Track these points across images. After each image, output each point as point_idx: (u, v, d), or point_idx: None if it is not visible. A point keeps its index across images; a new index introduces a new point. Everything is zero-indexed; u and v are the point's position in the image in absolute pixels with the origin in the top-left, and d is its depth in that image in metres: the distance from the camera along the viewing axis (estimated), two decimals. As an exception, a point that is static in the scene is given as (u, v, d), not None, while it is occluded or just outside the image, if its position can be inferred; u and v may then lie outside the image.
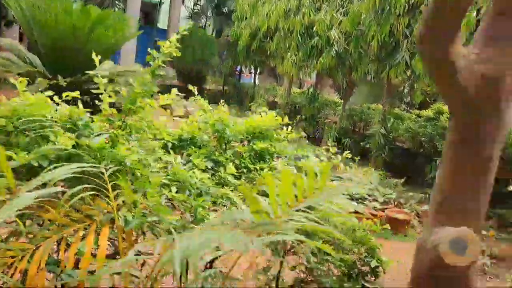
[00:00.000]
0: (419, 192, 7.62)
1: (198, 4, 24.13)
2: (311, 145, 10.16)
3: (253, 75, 21.46)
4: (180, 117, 12.79)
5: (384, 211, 5.86)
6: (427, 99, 10.68)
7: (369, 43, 8.38)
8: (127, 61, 16.00)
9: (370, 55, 8.68)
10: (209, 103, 12.00)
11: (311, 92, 12.21)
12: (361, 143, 9.57)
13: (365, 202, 5.87)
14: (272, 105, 14.35)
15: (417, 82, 7.77)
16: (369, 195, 6.35)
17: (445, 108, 8.50)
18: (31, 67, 7.09)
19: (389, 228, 5.84)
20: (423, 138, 8.09)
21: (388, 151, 8.83)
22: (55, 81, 6.70)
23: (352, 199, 6.07)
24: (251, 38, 14.93)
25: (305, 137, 11.29)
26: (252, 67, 17.11)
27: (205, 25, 25.19)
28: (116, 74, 7.77)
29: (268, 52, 14.04)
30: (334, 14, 9.48)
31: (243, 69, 20.45)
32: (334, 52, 9.77)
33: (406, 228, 5.86)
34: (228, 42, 17.73)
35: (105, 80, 2.43)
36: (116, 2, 16.11)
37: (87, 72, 5.77)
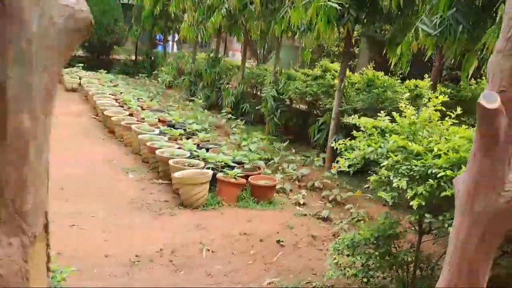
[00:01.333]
0: (301, 155, 7.28)
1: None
2: (203, 112, 9.56)
3: (171, 43, 20.35)
4: (73, 90, 11.70)
5: (248, 179, 5.41)
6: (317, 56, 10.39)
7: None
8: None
9: (256, 11, 8.06)
10: (119, 73, 10.93)
11: (212, 56, 11.49)
12: (257, 107, 9.09)
13: (225, 170, 5.37)
14: (181, 72, 13.52)
15: (304, 38, 7.25)
16: (238, 163, 5.87)
17: (331, 65, 8.15)
18: None
19: (253, 196, 5.53)
20: (308, 98, 7.72)
21: (280, 113, 8.41)
22: None
23: (214, 168, 5.58)
24: (154, 2, 13.82)
25: (202, 105, 10.64)
26: (161, 33, 16.00)
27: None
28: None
29: (172, 16, 13.09)
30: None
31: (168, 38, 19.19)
32: (225, 11, 9.08)
33: (271, 195, 5.47)
34: (137, 8, 16.43)
35: None
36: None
37: None
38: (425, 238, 3.23)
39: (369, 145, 2.99)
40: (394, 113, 3.07)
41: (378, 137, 3.07)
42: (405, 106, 3.03)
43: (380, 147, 2.96)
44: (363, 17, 6.08)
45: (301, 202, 5.61)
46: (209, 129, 8.57)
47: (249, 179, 5.44)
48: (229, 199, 5.23)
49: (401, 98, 5.36)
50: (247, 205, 5.23)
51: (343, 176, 6.14)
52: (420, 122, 2.96)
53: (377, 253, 3.02)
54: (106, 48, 16.21)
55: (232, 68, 11.52)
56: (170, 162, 5.40)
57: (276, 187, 5.94)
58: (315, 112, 8.19)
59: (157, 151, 5.80)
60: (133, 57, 17.68)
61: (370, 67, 7.04)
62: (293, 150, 7.74)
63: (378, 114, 3.34)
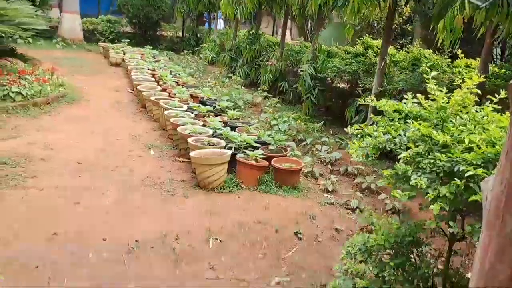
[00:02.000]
0: (337, 137, 6.75)
1: None
2: (240, 89, 9.20)
3: (219, 20, 20.02)
4: (116, 65, 11.79)
5: (271, 161, 5.03)
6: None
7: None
8: (72, 4, 14.73)
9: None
10: (165, 50, 11.07)
11: (252, 33, 11.03)
12: (295, 86, 8.60)
13: (246, 151, 5.02)
14: (223, 49, 13.21)
15: (344, 12, 6.65)
16: (263, 143, 5.50)
17: (374, 42, 7.43)
18: None
19: (276, 180, 5.13)
20: (346, 77, 7.12)
21: (318, 93, 7.87)
22: None
23: (236, 148, 5.25)
24: (200, -23, 13.53)
25: (242, 82, 10.30)
26: (205, 10, 15.71)
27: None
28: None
29: (217, -9, 12.75)
30: None
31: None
32: (263, -16, 8.58)
33: (296, 179, 5.05)
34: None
35: None
36: None
37: None
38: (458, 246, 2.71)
39: (386, 133, 2.50)
40: (419, 95, 2.54)
41: (399, 124, 2.56)
42: (434, 88, 2.48)
43: (399, 135, 2.46)
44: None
45: (330, 189, 5.16)
46: (242, 107, 8.23)
47: (272, 161, 5.06)
48: (249, 182, 4.89)
49: (447, 78, 4.70)
50: (268, 189, 4.86)
51: (384, 161, 5.59)
52: (451, 107, 2.41)
53: (392, 264, 2.53)
54: (153, 25, 16.22)
55: (272, 45, 11.03)
56: (189, 140, 5.13)
57: (304, 171, 5.53)
58: (356, 92, 7.58)
59: (178, 128, 5.55)
60: (180, 34, 17.64)
61: (417, 44, 6.30)
62: (331, 132, 7.25)
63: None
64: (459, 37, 4.49)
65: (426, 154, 2.28)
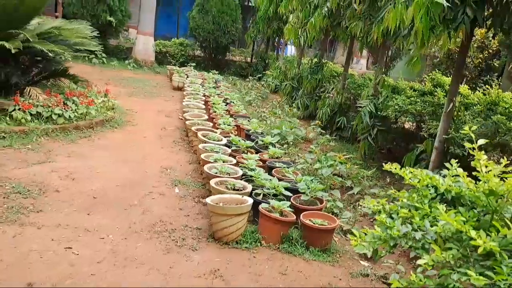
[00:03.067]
0: (393, 187, 5.77)
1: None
2: (294, 122, 8.53)
3: (287, 47, 19.67)
4: (178, 89, 11.80)
5: (301, 214, 4.28)
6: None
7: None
8: (146, 25, 15.29)
9: (355, 10, 6.76)
10: (232, 75, 11.06)
11: (315, 61, 10.37)
12: (354, 122, 7.74)
13: (273, 200, 4.34)
14: (287, 77, 12.71)
15: (407, 42, 5.79)
16: (296, 191, 4.78)
17: (446, 79, 6.35)
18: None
19: (304, 239, 4.35)
20: (409, 118, 6.13)
21: (377, 133, 6.95)
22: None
23: (265, 195, 4.59)
24: (269, 2, 13.31)
25: (300, 115, 9.67)
26: (274, 35, 15.40)
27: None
28: (46, 32, 6.90)
29: (284, 17, 12.37)
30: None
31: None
32: (326, 10, 7.93)
33: (328, 240, 4.23)
34: (254, 10, 16.25)
35: None
36: None
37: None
38: None
39: (405, 221, 1.72)
40: (460, 171, 1.73)
41: (428, 208, 1.77)
42: (483, 160, 1.67)
43: (424, 225, 1.68)
44: (485, 17, 4.39)
45: (369, 255, 4.25)
46: (291, 143, 7.57)
47: (301, 215, 4.31)
48: (271, 239, 4.18)
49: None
50: (292, 249, 4.11)
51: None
52: (507, 193, 1.59)
53: None
54: (223, 49, 16.28)
55: (337, 76, 10.26)
56: (212, 182, 4.58)
57: (343, 228, 4.70)
58: (421, 135, 6.54)
59: (205, 166, 5.04)
60: (249, 59, 17.55)
61: (495, 85, 5.19)
62: (387, 180, 6.31)
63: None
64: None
65: (456, 266, 1.48)
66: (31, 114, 6.16)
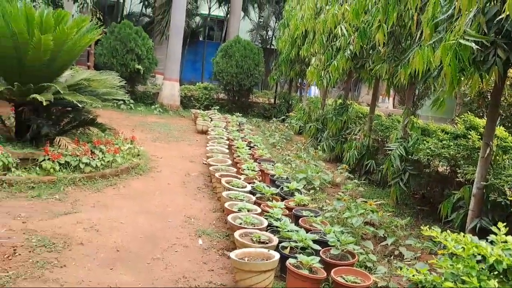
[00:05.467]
0: (428, 241, 5.44)
1: (263, 16, 23.34)
2: (320, 166, 8.34)
3: (311, 87, 19.76)
4: (203, 132, 11.88)
5: (332, 271, 4.03)
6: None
7: (373, 37, 6.48)
8: (173, 72, 15.71)
9: (379, 52, 6.73)
10: (256, 117, 11.18)
11: (340, 103, 10.29)
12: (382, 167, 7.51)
13: (300, 255, 4.13)
14: (311, 119, 12.65)
15: (438, 84, 5.68)
16: (326, 243, 4.55)
17: (479, 121, 6.11)
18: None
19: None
20: (442, 162, 5.87)
21: (409, 177, 6.68)
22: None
23: (292, 248, 4.39)
24: (291, 45, 13.53)
25: (326, 157, 9.49)
26: (296, 77, 15.52)
27: (271, 37, 24.31)
28: (77, 84, 7.13)
29: (306, 60, 12.50)
30: (347, 6, 7.66)
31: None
32: (349, 53, 7.93)
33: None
34: (276, 53, 16.58)
35: None
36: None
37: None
38: None
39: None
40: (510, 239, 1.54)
41: (475, 281, 1.57)
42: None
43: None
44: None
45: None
46: (318, 189, 7.36)
47: (332, 272, 4.06)
48: (299, 297, 3.94)
49: None
50: (321, 310, 3.85)
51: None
52: None
53: None
54: (246, 91, 16.50)
55: (363, 117, 10.13)
56: (236, 234, 4.42)
57: (378, 285, 4.40)
58: (458, 180, 6.24)
59: (229, 216, 4.91)
60: (272, 101, 17.69)
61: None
62: (422, 228, 5.96)
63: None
64: None
65: None
66: (59, 164, 6.25)
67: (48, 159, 6.21)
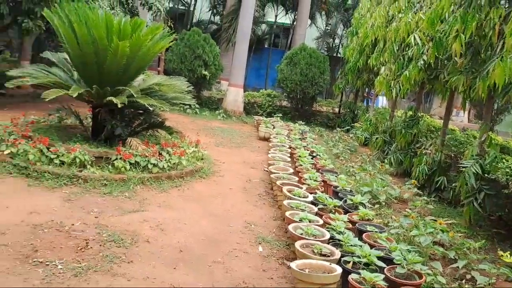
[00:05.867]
0: (507, 264, 5.00)
1: (330, 24, 23.11)
2: (386, 180, 8.01)
3: (378, 98, 19.15)
4: (265, 139, 11.94)
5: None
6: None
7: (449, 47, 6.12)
8: (237, 78, 16.01)
9: (455, 63, 6.33)
10: (319, 126, 11.27)
11: (410, 115, 9.83)
12: (456, 184, 7.04)
13: (364, 271, 3.96)
14: (377, 130, 12.24)
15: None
16: (391, 260, 4.34)
17: None
18: (71, 80, 7.37)
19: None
20: (525, 184, 5.36)
21: (485, 197, 6.21)
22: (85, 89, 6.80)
23: (355, 263, 4.23)
24: (359, 54, 13.24)
25: (393, 171, 9.11)
26: (364, 86, 15.12)
27: (338, 45, 23.98)
28: (148, 88, 7.48)
29: (375, 69, 12.15)
30: (421, 14, 7.33)
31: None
32: (422, 63, 7.56)
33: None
34: (343, 61, 16.31)
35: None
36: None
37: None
38: None
39: None
40: None
41: None
42: None
43: None
44: None
45: None
46: (383, 204, 7.07)
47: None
48: (362, 315, 3.77)
49: None
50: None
51: None
52: None
53: None
54: (309, 100, 16.37)
55: (435, 131, 9.61)
56: (297, 244, 4.35)
57: (446, 310, 4.11)
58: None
59: (290, 226, 4.84)
60: (337, 110, 17.39)
61: None
62: (500, 253, 5.50)
63: None
64: None
65: None
66: (130, 163, 6.57)
67: (120, 158, 6.54)
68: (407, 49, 8.68)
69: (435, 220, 5.77)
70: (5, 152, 6.32)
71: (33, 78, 6.87)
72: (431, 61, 7.28)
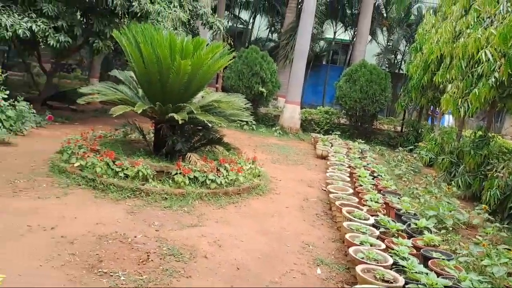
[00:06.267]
0: None
1: (391, 40, 22.52)
2: (454, 204, 7.50)
3: (444, 116, 18.20)
4: (322, 157, 11.74)
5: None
6: None
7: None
8: (294, 95, 16.01)
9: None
10: (379, 144, 11.07)
11: (480, 135, 9.20)
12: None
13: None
14: (443, 150, 11.59)
15: None
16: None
17: None
18: (136, 97, 7.73)
19: None
20: None
21: None
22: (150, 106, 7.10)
23: (418, 292, 3.95)
24: (423, 70, 12.74)
25: (460, 195, 8.53)
26: (429, 105, 14.45)
27: (400, 61, 23.29)
28: (207, 104, 7.64)
29: (441, 86, 11.61)
30: (492, 29, 6.89)
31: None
32: (494, 80, 7.08)
33: None
34: (406, 77, 15.76)
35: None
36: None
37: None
38: None
39: None
40: None
41: None
42: None
43: None
44: None
45: None
46: (450, 229, 6.62)
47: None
48: None
49: None
50: None
51: None
52: None
53: None
54: (370, 117, 15.93)
55: (508, 152, 8.92)
56: (357, 268, 4.16)
57: None
58: None
59: (350, 249, 4.65)
60: (399, 129, 16.75)
61: None
62: None
63: None
64: None
65: None
66: (189, 178, 6.70)
67: (180, 173, 6.70)
68: (476, 65, 8.20)
69: (510, 250, 5.28)
70: (75, 165, 6.72)
71: (103, 95, 7.27)
72: (503, 78, 6.80)
